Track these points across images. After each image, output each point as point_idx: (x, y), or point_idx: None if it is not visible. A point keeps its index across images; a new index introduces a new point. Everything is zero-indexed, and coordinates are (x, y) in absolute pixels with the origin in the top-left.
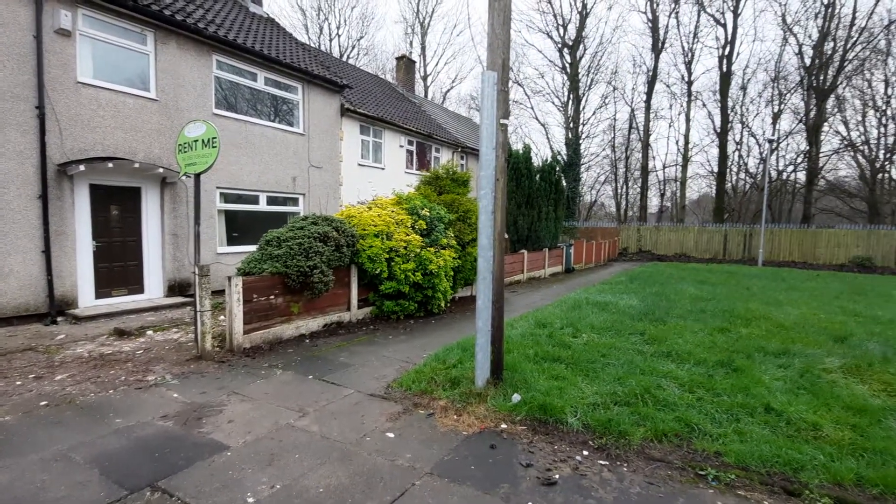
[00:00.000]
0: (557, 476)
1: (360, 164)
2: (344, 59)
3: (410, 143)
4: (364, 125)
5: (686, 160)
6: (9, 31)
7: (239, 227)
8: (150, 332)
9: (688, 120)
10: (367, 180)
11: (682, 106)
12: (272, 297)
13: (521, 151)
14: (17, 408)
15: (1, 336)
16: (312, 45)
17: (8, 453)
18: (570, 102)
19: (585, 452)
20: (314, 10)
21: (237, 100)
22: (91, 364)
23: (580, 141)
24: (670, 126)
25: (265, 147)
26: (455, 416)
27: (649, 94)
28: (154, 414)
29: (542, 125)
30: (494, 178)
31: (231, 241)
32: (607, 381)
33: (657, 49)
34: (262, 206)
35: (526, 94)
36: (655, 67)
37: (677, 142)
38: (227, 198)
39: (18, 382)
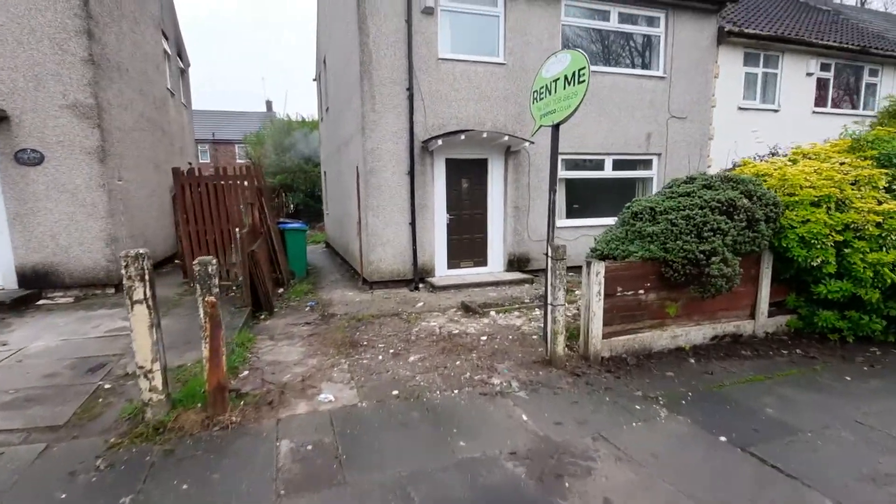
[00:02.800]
0: None
1: (740, 108)
2: None
3: (825, 67)
4: (750, 52)
5: None
6: (388, 21)
7: (578, 198)
8: (492, 313)
9: None
10: (750, 129)
11: None
12: (640, 291)
13: None
14: (374, 392)
15: (379, 297)
16: None
17: (354, 465)
18: None
19: None
20: None
21: (582, 49)
22: (440, 347)
23: None
24: None
25: (614, 100)
26: None
27: None
28: (501, 445)
29: None
30: None
31: (570, 213)
32: None
33: None
34: (607, 171)
35: None
36: None
37: None
38: (567, 164)
39: (380, 357)
